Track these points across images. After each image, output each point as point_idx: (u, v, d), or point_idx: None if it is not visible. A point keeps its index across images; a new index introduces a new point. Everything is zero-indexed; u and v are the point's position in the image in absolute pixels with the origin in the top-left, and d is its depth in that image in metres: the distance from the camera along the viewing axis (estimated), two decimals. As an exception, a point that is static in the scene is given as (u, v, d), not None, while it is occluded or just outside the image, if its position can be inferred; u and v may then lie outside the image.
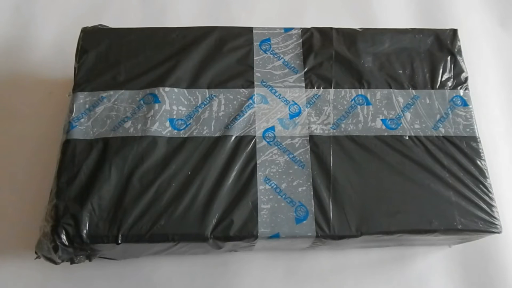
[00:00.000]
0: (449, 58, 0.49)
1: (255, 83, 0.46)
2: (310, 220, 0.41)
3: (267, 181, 0.42)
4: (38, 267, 0.48)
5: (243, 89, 0.46)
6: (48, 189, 0.42)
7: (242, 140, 0.44)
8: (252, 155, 0.43)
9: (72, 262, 0.42)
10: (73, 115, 0.44)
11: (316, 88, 0.47)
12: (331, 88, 0.47)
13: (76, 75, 0.46)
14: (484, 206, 0.43)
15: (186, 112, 0.45)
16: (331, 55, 0.48)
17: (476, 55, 0.62)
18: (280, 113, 0.45)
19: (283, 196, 0.42)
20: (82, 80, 0.45)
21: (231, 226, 0.40)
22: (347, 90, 0.47)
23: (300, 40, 0.49)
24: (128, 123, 0.44)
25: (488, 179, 0.44)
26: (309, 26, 0.50)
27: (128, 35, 0.48)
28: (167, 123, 0.44)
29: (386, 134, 0.45)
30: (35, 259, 0.41)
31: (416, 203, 0.42)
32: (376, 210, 0.42)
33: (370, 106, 0.46)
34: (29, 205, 0.49)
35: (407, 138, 0.45)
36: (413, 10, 0.65)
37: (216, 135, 0.44)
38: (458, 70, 0.49)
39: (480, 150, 0.45)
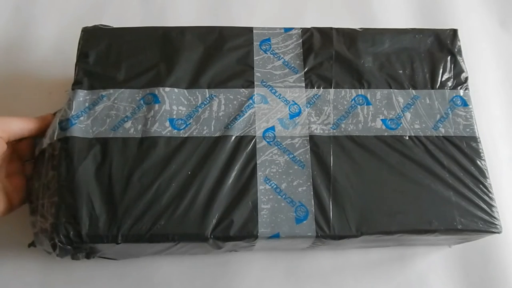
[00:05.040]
0: (449, 58, 0.49)
1: (255, 83, 0.46)
2: (310, 220, 0.41)
3: (267, 181, 0.42)
4: (38, 267, 0.48)
5: (243, 89, 0.46)
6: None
7: (242, 140, 0.44)
8: (252, 155, 0.43)
9: (72, 257, 0.42)
10: (72, 112, 0.43)
11: (316, 88, 0.47)
12: (331, 88, 0.47)
13: (76, 73, 0.45)
14: (484, 206, 0.43)
15: (186, 112, 0.45)
16: (331, 55, 0.48)
17: (476, 55, 0.62)
18: (280, 113, 0.45)
19: (283, 196, 0.42)
20: (82, 78, 0.45)
21: (231, 226, 0.40)
22: (347, 90, 0.47)
23: (300, 40, 0.49)
24: (128, 123, 0.44)
25: (488, 179, 0.44)
26: (309, 26, 0.50)
27: (128, 35, 0.48)
28: (167, 123, 0.44)
29: (386, 134, 0.45)
30: (28, 246, 0.42)
31: (416, 203, 0.42)
32: (376, 210, 0.42)
33: (370, 106, 0.46)
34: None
35: (407, 138, 0.45)
36: (413, 10, 0.65)
37: (216, 135, 0.44)
38: (458, 70, 0.49)
39: (480, 150, 0.45)
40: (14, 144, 0.44)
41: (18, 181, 0.43)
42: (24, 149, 0.45)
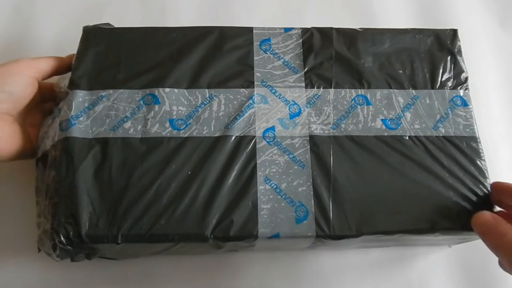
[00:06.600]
0: (449, 58, 0.49)
1: (255, 83, 0.46)
2: (310, 220, 0.41)
3: (267, 181, 0.42)
4: (38, 267, 0.48)
5: (243, 89, 0.46)
6: (48, 189, 0.42)
7: (242, 140, 0.44)
8: (252, 155, 0.43)
9: (72, 259, 0.42)
10: (72, 112, 0.43)
11: (316, 88, 0.47)
12: (331, 88, 0.47)
13: (75, 73, 0.45)
14: (484, 206, 0.43)
15: (186, 112, 0.45)
16: (331, 55, 0.48)
17: (476, 55, 0.62)
18: (280, 113, 0.45)
19: (283, 196, 0.42)
20: (80, 78, 0.45)
21: (231, 226, 0.40)
22: (347, 90, 0.47)
23: (300, 40, 0.49)
24: (127, 123, 0.44)
25: (488, 179, 0.44)
26: (309, 26, 0.50)
27: (128, 35, 0.48)
28: (167, 124, 0.44)
29: (386, 134, 0.45)
30: (38, 252, 0.42)
31: (416, 203, 0.42)
32: (376, 210, 0.42)
33: (370, 106, 0.46)
34: (30, 203, 0.49)
35: (407, 138, 0.45)
36: (413, 10, 0.65)
37: (216, 135, 0.44)
38: (458, 70, 0.49)
39: (480, 150, 0.45)
40: (43, 96, 0.48)
41: (37, 133, 0.46)
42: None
